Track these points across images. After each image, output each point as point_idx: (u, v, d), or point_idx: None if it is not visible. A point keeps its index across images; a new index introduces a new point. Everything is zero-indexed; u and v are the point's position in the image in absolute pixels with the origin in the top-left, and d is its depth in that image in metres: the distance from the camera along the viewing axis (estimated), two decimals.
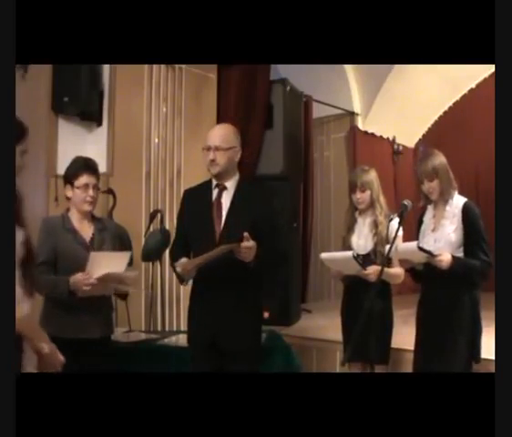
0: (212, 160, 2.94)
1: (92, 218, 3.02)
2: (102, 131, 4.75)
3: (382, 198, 3.47)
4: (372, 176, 3.47)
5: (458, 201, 3.12)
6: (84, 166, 2.94)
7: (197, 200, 3.06)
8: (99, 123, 4.72)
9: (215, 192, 3.01)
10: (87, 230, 2.98)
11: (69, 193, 2.96)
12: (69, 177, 2.94)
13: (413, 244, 3.01)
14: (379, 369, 3.39)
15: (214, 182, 3.03)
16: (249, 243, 2.75)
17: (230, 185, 3.01)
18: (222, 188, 3.00)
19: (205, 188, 3.07)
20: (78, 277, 2.75)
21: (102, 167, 4.31)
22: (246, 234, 2.74)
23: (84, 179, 2.89)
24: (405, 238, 3.22)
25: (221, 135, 2.99)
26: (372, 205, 3.45)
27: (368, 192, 3.44)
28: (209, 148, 2.95)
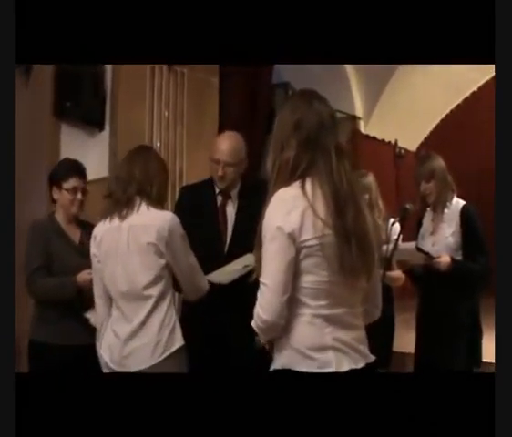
0: (221, 176, 2.84)
1: (78, 221, 2.95)
2: (104, 136, 4.75)
3: (380, 202, 3.47)
4: (369, 179, 3.47)
5: (457, 204, 3.11)
6: (74, 168, 2.90)
7: (199, 202, 2.95)
8: (102, 128, 4.73)
9: (219, 199, 2.95)
10: (75, 233, 2.92)
11: (56, 195, 2.90)
12: (57, 179, 2.88)
13: (411, 244, 3.01)
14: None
15: (217, 188, 2.94)
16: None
17: (234, 193, 2.95)
18: (227, 197, 2.95)
19: (206, 189, 2.98)
20: (85, 274, 2.66)
21: (104, 172, 4.31)
22: None
23: (73, 182, 2.85)
24: (405, 241, 3.21)
25: (231, 149, 2.87)
26: (370, 208, 3.43)
27: (366, 195, 3.42)
28: (217, 162, 2.85)
